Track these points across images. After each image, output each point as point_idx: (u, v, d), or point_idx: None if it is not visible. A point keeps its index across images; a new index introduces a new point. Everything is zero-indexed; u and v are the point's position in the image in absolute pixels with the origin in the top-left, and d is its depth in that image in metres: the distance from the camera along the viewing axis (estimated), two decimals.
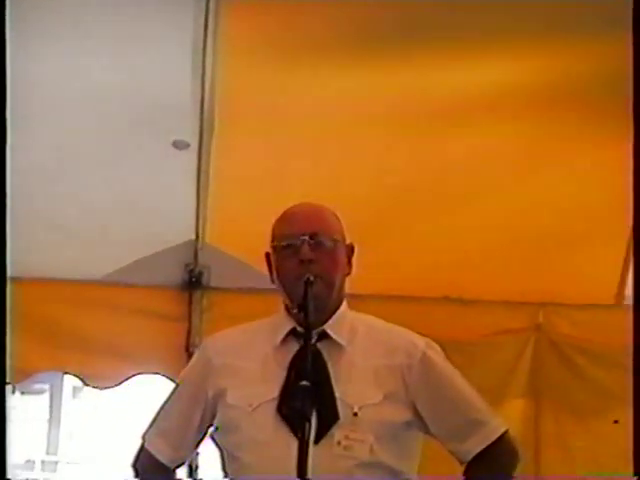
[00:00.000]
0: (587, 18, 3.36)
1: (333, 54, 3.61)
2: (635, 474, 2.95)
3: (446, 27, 3.52)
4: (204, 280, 4.06)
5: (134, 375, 4.00)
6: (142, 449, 2.85)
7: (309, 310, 2.55)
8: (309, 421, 2.31)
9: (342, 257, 2.72)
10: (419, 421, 2.67)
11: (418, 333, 2.78)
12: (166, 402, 2.88)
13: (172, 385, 3.80)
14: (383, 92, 3.70)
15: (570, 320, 4.11)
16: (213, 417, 2.75)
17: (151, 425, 2.85)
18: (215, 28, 3.55)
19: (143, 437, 2.86)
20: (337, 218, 2.78)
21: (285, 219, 2.75)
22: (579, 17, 3.37)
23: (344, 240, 2.75)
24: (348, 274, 2.76)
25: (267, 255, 2.74)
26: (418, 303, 3.96)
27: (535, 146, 3.86)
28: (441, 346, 2.76)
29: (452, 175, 3.90)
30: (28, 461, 13.71)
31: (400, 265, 3.94)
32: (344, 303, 2.77)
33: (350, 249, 2.77)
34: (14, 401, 13.47)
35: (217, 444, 2.78)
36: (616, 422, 3.97)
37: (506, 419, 2.77)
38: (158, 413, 2.86)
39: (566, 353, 4.12)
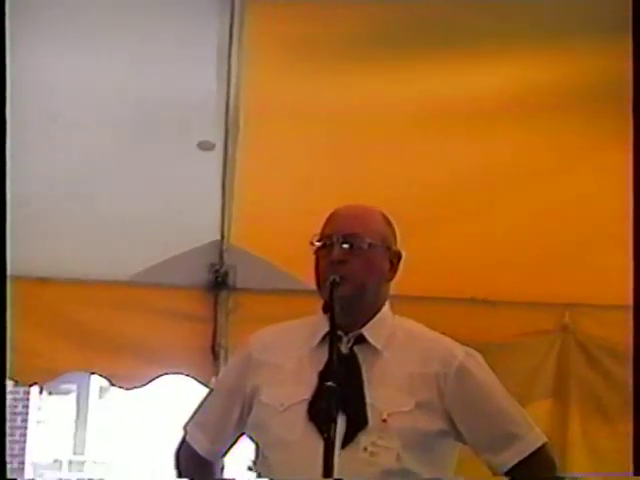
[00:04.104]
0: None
1: (359, 56, 3.61)
2: (635, 474, 2.94)
3: (471, 29, 3.53)
4: (230, 281, 4.05)
5: (160, 375, 4.00)
6: (183, 440, 2.88)
7: (334, 311, 2.55)
8: (335, 422, 2.31)
9: (379, 261, 2.71)
10: (454, 431, 2.66)
11: (443, 334, 2.77)
12: (208, 395, 2.90)
13: (197, 386, 3.84)
14: (411, 94, 3.70)
15: (597, 321, 4.08)
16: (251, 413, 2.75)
17: (192, 417, 2.87)
18: (240, 28, 3.56)
19: (184, 428, 2.88)
20: (385, 222, 2.77)
21: (327, 219, 2.76)
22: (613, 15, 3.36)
23: (387, 245, 2.74)
24: (390, 280, 2.76)
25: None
26: (444, 304, 3.94)
27: (563, 146, 3.84)
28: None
29: (478, 177, 3.88)
30: (56, 461, 13.81)
31: (426, 266, 3.91)
32: (385, 307, 2.75)
33: (396, 255, 2.76)
34: (42, 401, 13.54)
35: (253, 441, 2.79)
36: None
37: (532, 420, 2.76)
38: (199, 405, 2.88)
39: (593, 354, 4.08)
